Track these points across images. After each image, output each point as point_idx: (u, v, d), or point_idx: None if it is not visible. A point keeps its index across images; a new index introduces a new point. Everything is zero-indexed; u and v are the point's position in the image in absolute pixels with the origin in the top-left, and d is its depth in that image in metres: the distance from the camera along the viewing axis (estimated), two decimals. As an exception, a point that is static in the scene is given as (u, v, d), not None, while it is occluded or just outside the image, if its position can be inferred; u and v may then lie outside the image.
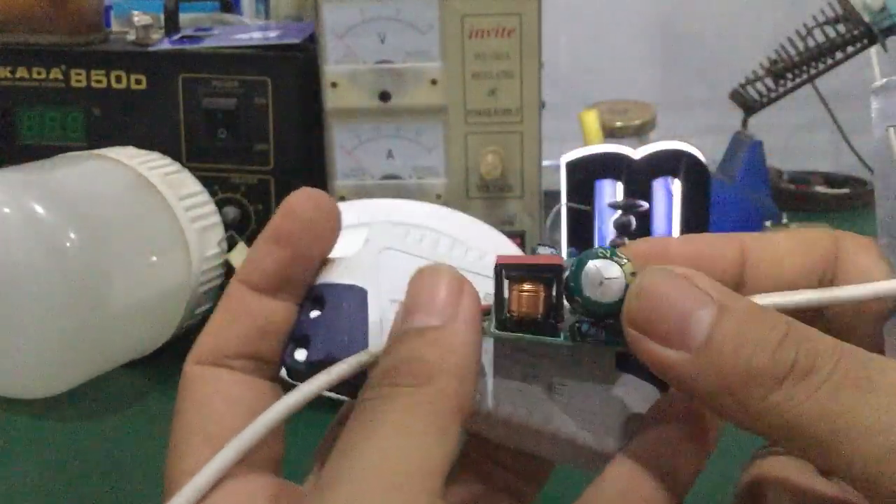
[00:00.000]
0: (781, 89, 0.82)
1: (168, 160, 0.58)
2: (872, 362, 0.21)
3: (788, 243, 0.25)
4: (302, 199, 0.25)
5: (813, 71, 0.81)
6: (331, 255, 0.26)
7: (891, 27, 0.76)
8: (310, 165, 0.62)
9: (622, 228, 0.58)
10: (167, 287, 0.51)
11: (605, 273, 0.22)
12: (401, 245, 0.26)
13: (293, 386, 0.24)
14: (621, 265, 0.22)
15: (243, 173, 0.61)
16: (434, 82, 0.59)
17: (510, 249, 0.27)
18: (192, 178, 0.58)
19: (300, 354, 0.25)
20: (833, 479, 0.26)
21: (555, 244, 0.47)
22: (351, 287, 0.25)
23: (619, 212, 0.59)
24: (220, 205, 0.60)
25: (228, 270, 0.57)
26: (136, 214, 0.52)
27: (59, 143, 0.62)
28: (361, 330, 0.24)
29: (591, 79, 1.09)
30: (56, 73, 0.62)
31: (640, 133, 0.82)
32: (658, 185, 0.62)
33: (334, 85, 0.60)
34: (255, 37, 0.63)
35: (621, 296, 0.22)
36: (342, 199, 0.62)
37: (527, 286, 0.23)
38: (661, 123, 0.85)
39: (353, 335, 0.24)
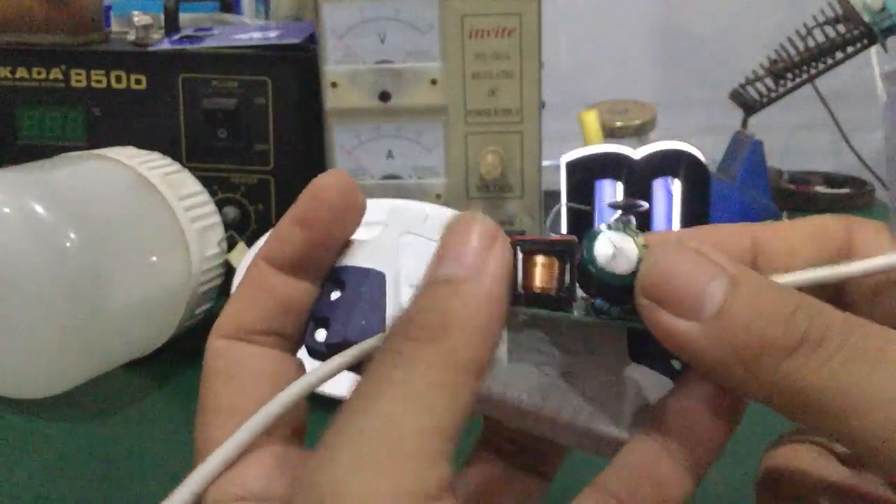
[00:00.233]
0: (781, 89, 0.82)
1: (168, 160, 0.58)
2: (884, 335, 0.21)
3: (800, 232, 0.25)
4: (328, 182, 0.25)
5: (813, 71, 0.81)
6: (351, 238, 0.26)
7: (891, 27, 0.76)
8: (310, 165, 0.62)
9: (622, 228, 0.58)
10: (167, 287, 0.51)
11: (618, 244, 0.23)
12: (420, 230, 0.26)
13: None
14: (634, 237, 0.23)
15: (243, 173, 0.61)
16: (434, 82, 0.59)
17: None
18: (192, 178, 0.58)
19: (320, 335, 0.25)
20: (851, 467, 0.26)
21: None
22: (370, 270, 0.25)
23: (619, 212, 0.59)
24: (220, 205, 0.60)
25: (228, 270, 0.57)
26: (136, 214, 0.52)
27: (59, 143, 0.62)
28: (380, 313, 0.25)
29: (591, 79, 1.09)
30: (56, 73, 0.62)
31: (640, 133, 0.82)
32: (658, 185, 0.62)
33: (334, 85, 0.60)
34: (255, 37, 0.63)
35: (634, 268, 0.22)
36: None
37: (540, 260, 0.23)
38: (661, 123, 0.85)
39: (372, 318, 0.25)
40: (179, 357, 0.54)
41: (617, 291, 0.23)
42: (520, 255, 0.23)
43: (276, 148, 0.61)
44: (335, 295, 0.26)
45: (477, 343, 0.21)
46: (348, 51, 0.59)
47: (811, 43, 0.80)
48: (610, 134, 0.79)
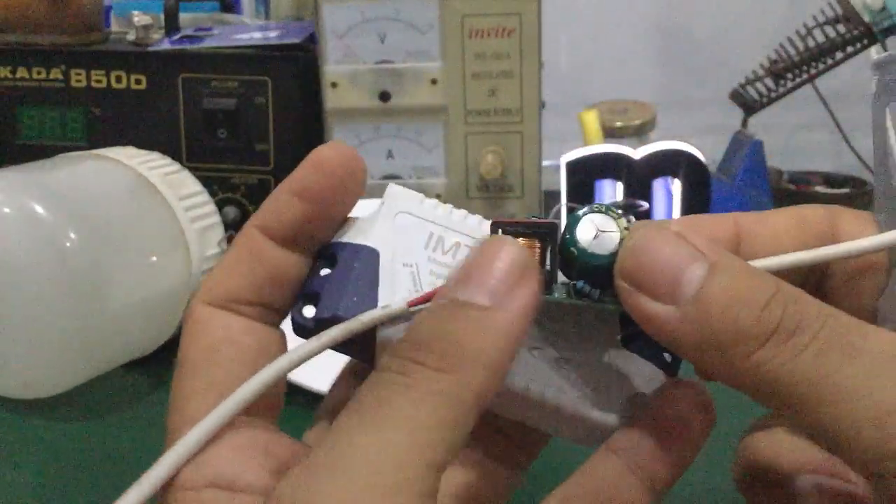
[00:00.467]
0: (781, 89, 0.82)
1: (168, 160, 0.58)
2: (858, 327, 0.21)
3: (783, 220, 0.25)
4: (330, 154, 0.24)
5: (813, 71, 0.81)
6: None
7: (891, 27, 0.76)
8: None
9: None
10: (167, 287, 0.51)
11: (601, 226, 0.23)
12: (416, 210, 0.26)
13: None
14: (616, 219, 0.23)
15: (243, 173, 0.61)
16: (434, 82, 0.59)
17: None
18: (192, 178, 0.58)
19: (309, 311, 0.25)
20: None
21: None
22: (363, 247, 0.25)
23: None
24: (220, 205, 0.60)
25: (228, 270, 0.57)
26: (136, 214, 0.52)
27: (59, 143, 0.62)
28: (371, 291, 0.24)
29: (591, 79, 1.09)
30: (56, 73, 0.62)
31: (640, 133, 0.82)
32: (658, 185, 0.62)
33: (334, 85, 0.60)
34: (255, 37, 0.63)
35: (615, 249, 0.22)
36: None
37: (522, 241, 0.23)
38: (661, 123, 0.85)
39: (363, 296, 0.24)
40: (179, 357, 0.54)
41: (598, 273, 0.23)
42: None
43: (276, 148, 0.61)
44: (325, 271, 0.25)
45: (489, 380, 0.20)
46: (348, 51, 0.59)
47: (811, 43, 0.80)
48: (610, 134, 0.79)
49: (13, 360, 0.46)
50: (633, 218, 0.23)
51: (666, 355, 0.25)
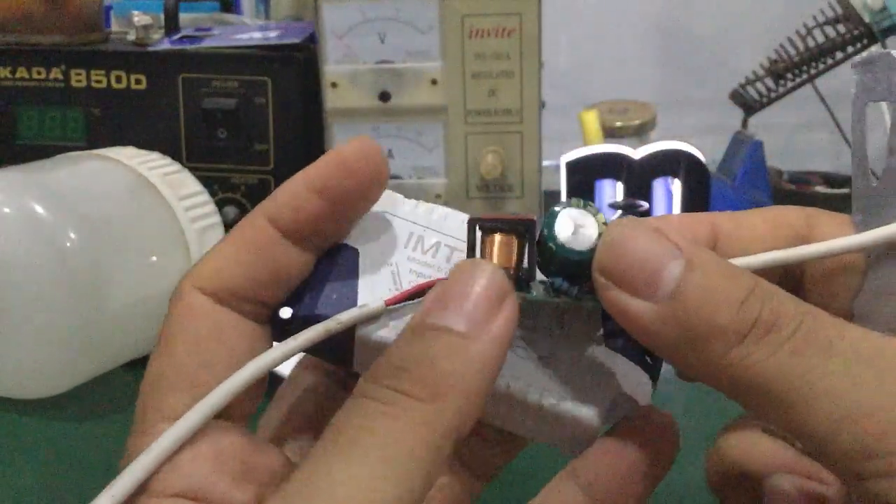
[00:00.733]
0: (781, 89, 0.82)
1: (168, 160, 0.58)
2: (836, 325, 0.21)
3: (760, 221, 0.25)
4: (357, 153, 0.23)
5: (813, 71, 0.81)
6: None
7: (891, 27, 0.76)
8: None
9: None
10: (167, 287, 0.51)
11: (578, 221, 0.22)
12: (395, 210, 0.26)
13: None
14: (594, 215, 0.23)
15: (243, 173, 0.61)
16: (434, 82, 0.59)
17: None
18: (192, 178, 0.58)
19: (285, 312, 0.24)
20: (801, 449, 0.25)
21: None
22: (343, 246, 0.25)
23: (619, 212, 0.59)
24: (220, 205, 0.60)
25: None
26: (136, 214, 0.52)
27: (59, 143, 0.62)
28: (351, 291, 0.24)
29: (591, 79, 1.09)
30: (56, 73, 0.62)
31: (640, 133, 0.82)
32: (658, 185, 0.62)
33: (334, 85, 0.60)
34: (255, 37, 0.63)
35: (593, 245, 0.22)
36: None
37: (499, 238, 0.23)
38: (661, 123, 0.85)
39: (343, 295, 0.24)
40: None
41: (576, 269, 0.22)
42: (479, 234, 0.23)
43: (276, 148, 0.61)
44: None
45: (469, 407, 0.20)
46: (348, 51, 0.59)
47: (811, 43, 0.80)
48: (610, 134, 0.79)
49: (13, 360, 0.46)
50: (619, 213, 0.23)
51: (647, 357, 0.25)
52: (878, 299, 0.23)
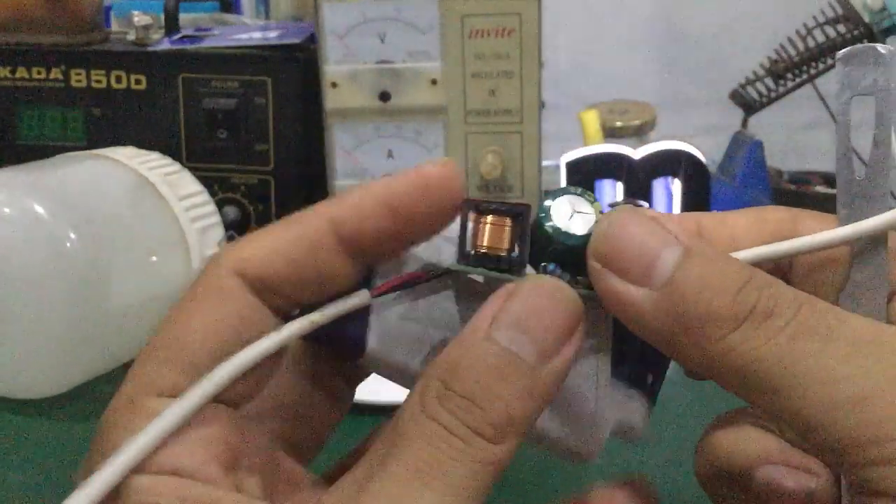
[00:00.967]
0: (781, 89, 0.82)
1: (168, 160, 0.58)
2: (834, 312, 0.21)
3: (743, 220, 0.25)
4: (440, 176, 0.22)
5: (813, 71, 0.81)
6: None
7: (891, 27, 0.76)
8: (310, 165, 0.62)
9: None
10: (167, 287, 0.51)
11: (576, 207, 0.22)
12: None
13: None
14: (591, 202, 0.23)
15: (243, 173, 0.61)
16: (434, 82, 0.59)
17: None
18: (192, 178, 0.58)
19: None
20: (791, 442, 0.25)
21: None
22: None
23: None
24: (220, 205, 0.60)
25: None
26: (136, 214, 0.52)
27: (59, 143, 0.62)
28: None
29: (591, 79, 1.09)
30: (56, 73, 0.62)
31: (640, 133, 0.82)
32: (658, 185, 0.62)
33: (334, 85, 0.60)
34: (255, 37, 0.63)
35: (590, 231, 0.22)
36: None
37: (490, 219, 0.22)
38: (661, 123, 0.85)
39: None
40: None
41: (571, 255, 0.22)
42: (471, 216, 0.23)
43: (276, 148, 0.61)
44: None
45: (515, 444, 0.20)
46: (348, 51, 0.59)
47: (811, 43, 0.80)
48: (610, 134, 0.79)
49: (13, 360, 0.46)
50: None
51: (649, 376, 0.24)
52: (862, 292, 0.24)
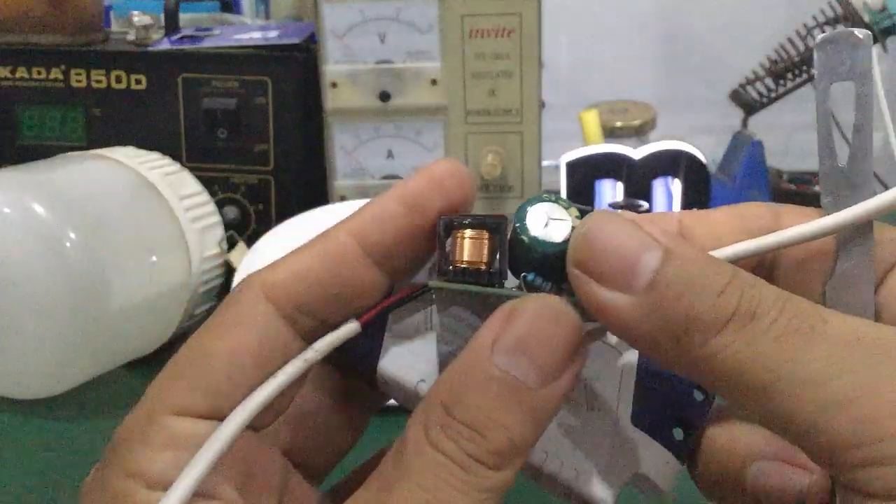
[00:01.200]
0: (781, 89, 0.82)
1: (168, 160, 0.58)
2: (818, 312, 0.20)
3: (724, 217, 0.25)
4: (446, 171, 0.23)
5: (813, 71, 0.81)
6: None
7: (891, 27, 0.76)
8: (310, 165, 0.62)
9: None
10: (167, 287, 0.51)
11: (551, 214, 0.22)
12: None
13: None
14: (566, 208, 0.22)
15: (243, 173, 0.61)
16: (434, 82, 0.59)
17: None
18: (192, 178, 0.58)
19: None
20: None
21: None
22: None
23: (619, 212, 0.59)
24: (220, 205, 0.60)
25: (228, 270, 0.57)
26: (136, 214, 0.52)
27: (59, 143, 0.62)
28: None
29: (591, 79, 1.09)
30: (56, 73, 0.62)
31: (640, 133, 0.82)
32: (658, 185, 0.62)
33: (334, 85, 0.60)
34: (255, 37, 0.63)
35: (568, 237, 0.22)
36: (343, 199, 0.62)
37: (469, 234, 0.22)
38: (661, 123, 0.85)
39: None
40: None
41: (550, 264, 0.22)
42: (447, 232, 0.23)
43: (276, 148, 0.61)
44: None
45: (517, 467, 0.20)
46: (348, 51, 0.59)
47: (811, 43, 0.80)
48: (610, 134, 0.79)
49: (13, 360, 0.46)
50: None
51: (675, 432, 0.24)
52: (849, 283, 0.23)
